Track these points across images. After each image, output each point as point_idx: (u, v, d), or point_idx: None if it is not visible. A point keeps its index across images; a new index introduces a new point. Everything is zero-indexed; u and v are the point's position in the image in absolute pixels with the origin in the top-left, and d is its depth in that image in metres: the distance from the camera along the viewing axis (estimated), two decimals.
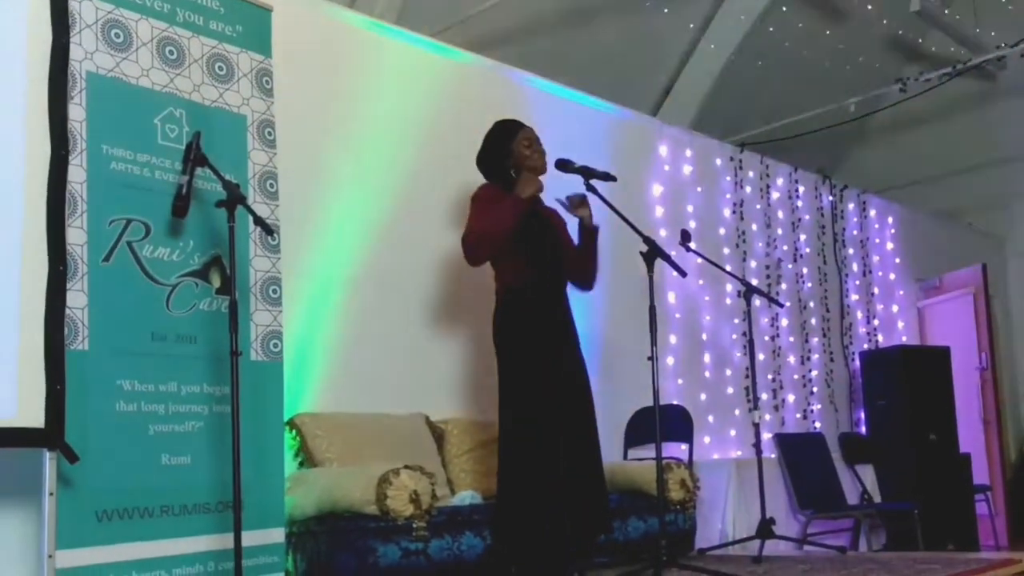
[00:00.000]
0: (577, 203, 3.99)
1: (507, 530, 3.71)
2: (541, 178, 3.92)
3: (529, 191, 3.78)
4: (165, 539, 3.23)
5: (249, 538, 3.26)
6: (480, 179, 4.04)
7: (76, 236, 3.11)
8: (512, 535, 3.69)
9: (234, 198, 3.24)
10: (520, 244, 3.84)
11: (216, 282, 3.49)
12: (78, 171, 3.15)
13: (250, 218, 3.33)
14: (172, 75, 3.46)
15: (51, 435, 2.95)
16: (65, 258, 3.04)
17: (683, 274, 3.96)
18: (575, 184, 3.93)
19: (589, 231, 4.04)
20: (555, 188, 4.09)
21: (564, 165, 3.94)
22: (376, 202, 4.66)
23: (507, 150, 3.94)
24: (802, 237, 7.37)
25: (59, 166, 3.06)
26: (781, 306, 6.36)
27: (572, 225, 4.14)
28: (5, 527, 3.16)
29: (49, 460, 2.96)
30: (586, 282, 4.16)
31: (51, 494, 2.95)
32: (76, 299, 3.08)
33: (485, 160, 4.03)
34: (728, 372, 6.52)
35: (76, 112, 3.16)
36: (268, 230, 3.31)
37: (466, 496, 4.10)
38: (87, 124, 3.19)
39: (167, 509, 3.26)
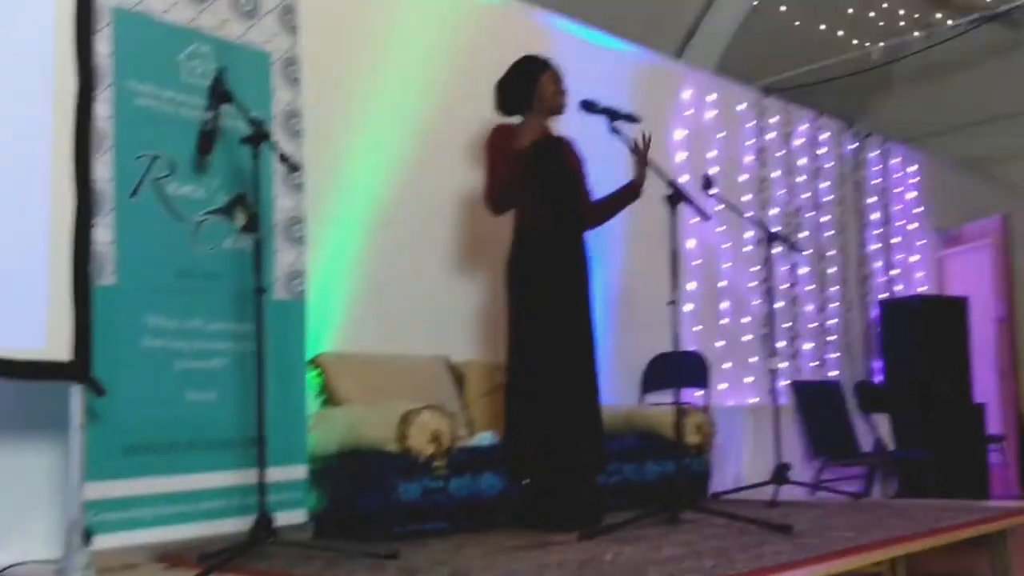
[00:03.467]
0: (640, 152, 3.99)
1: (515, 465, 3.82)
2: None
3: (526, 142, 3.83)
4: (190, 473, 3.29)
5: (272, 474, 3.29)
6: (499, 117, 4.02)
7: (103, 172, 3.12)
8: (522, 468, 3.81)
9: (259, 134, 3.23)
10: (538, 186, 3.85)
11: (241, 220, 3.50)
12: (104, 106, 3.15)
13: (274, 156, 3.33)
14: (197, 11, 3.44)
15: (79, 369, 2.97)
16: (92, 193, 3.04)
17: (707, 217, 3.95)
18: (598, 125, 3.90)
19: (631, 195, 4.12)
20: (578, 129, 4.07)
21: (589, 106, 3.92)
22: (401, 143, 4.63)
23: (533, 84, 3.95)
24: (824, 185, 7.31)
25: (85, 101, 3.04)
26: (801, 252, 6.33)
27: (596, 154, 4.16)
28: (34, 460, 3.20)
29: (77, 394, 2.99)
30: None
31: (79, 427, 2.98)
32: (103, 234, 3.10)
33: (507, 90, 4.02)
34: (745, 319, 6.51)
35: (102, 47, 3.15)
36: (293, 167, 3.30)
37: (485, 436, 4.13)
38: (113, 59, 3.18)
39: (192, 444, 3.31)
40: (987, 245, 8.17)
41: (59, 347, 2.94)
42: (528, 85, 3.99)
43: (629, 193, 4.13)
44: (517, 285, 3.90)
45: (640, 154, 3.95)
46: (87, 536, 2.94)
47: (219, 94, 3.27)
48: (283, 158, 3.24)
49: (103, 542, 3.03)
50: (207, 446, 3.34)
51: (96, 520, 3.03)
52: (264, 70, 3.64)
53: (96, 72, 3.09)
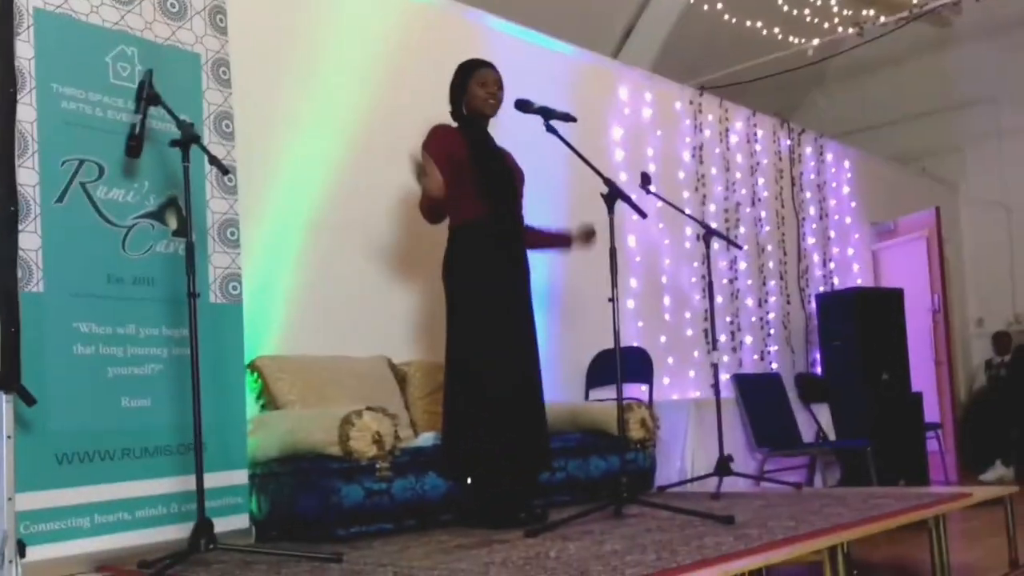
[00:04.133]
0: (585, 234, 4.36)
1: (455, 465, 3.80)
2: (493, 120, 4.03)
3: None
4: (127, 481, 3.23)
5: (212, 479, 3.26)
6: (437, 119, 4.01)
7: (28, 176, 3.06)
8: (461, 467, 3.79)
9: (188, 137, 3.18)
10: (472, 177, 3.84)
11: (172, 224, 3.45)
12: (28, 110, 3.08)
13: (206, 158, 3.28)
14: (123, 12, 3.38)
15: (7, 378, 2.90)
16: (16, 199, 2.98)
17: (643, 215, 3.97)
18: (534, 124, 3.90)
19: (562, 243, 4.40)
20: (514, 128, 4.07)
21: (523, 106, 3.92)
22: (334, 143, 4.61)
23: (463, 88, 3.95)
24: (760, 181, 7.41)
25: (7, 104, 2.98)
26: (740, 248, 6.42)
27: (535, 155, 4.18)
28: None
29: (6, 403, 2.91)
30: None
31: (9, 437, 2.90)
32: (29, 240, 3.03)
33: (450, 96, 4.03)
34: (687, 315, 6.58)
35: (24, 49, 3.08)
36: (223, 169, 3.26)
37: (429, 437, 4.11)
38: (36, 62, 3.12)
39: (128, 451, 3.26)
40: (921, 237, 8.34)
41: None
42: (459, 90, 3.99)
43: (560, 241, 4.41)
44: (453, 280, 3.88)
45: (587, 239, 4.37)
46: (21, 548, 2.87)
47: (147, 96, 3.21)
48: (213, 160, 3.20)
49: (38, 553, 2.96)
50: (143, 453, 3.29)
51: (30, 531, 2.96)
52: (194, 72, 3.59)
53: (18, 75, 3.02)
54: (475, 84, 3.94)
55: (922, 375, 7.63)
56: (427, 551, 3.21)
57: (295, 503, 3.62)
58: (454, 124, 4.01)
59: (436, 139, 3.91)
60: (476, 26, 5.44)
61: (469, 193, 3.85)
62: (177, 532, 3.24)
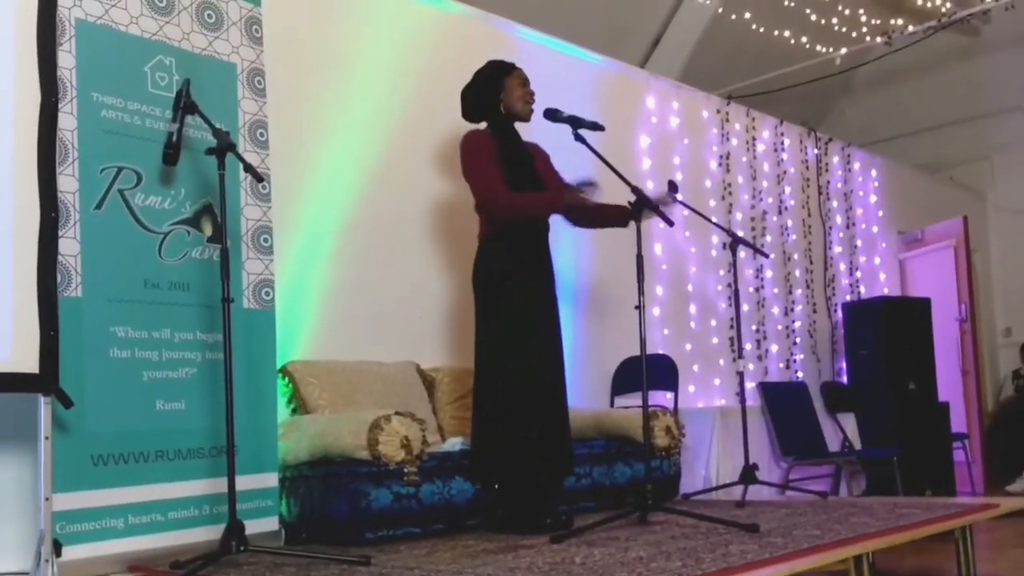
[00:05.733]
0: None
1: (483, 471, 3.82)
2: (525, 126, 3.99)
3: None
4: (160, 483, 3.29)
5: (243, 482, 3.31)
6: (466, 127, 4.04)
7: (68, 184, 3.13)
8: (489, 475, 3.81)
9: (224, 145, 3.23)
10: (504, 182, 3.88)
11: (207, 230, 3.51)
12: (69, 119, 3.15)
13: (240, 166, 3.34)
14: (161, 23, 3.45)
15: (46, 380, 2.96)
16: (57, 205, 3.04)
17: (670, 223, 3.98)
18: (563, 133, 3.94)
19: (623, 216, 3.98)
20: (543, 137, 4.11)
21: (552, 115, 3.95)
22: (366, 151, 4.66)
23: (501, 85, 3.96)
24: (787, 189, 7.41)
25: (49, 113, 3.05)
26: (766, 256, 6.42)
27: (562, 163, 4.19)
28: (2, 472, 3.19)
29: (44, 405, 2.97)
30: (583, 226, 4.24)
31: (47, 438, 2.96)
32: (69, 246, 3.10)
33: (473, 96, 4.03)
34: (713, 323, 6.59)
35: (66, 59, 3.16)
36: (258, 177, 3.32)
37: (456, 442, 4.16)
38: (77, 72, 3.19)
39: (162, 454, 3.32)
40: (948, 246, 8.30)
41: (25, 359, 2.94)
42: (494, 89, 3.98)
43: (618, 214, 4.00)
44: (482, 288, 3.91)
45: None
46: (57, 547, 2.93)
47: (184, 105, 3.27)
48: (248, 168, 3.26)
49: (73, 553, 3.02)
50: (177, 455, 3.35)
51: (66, 531, 3.02)
52: (230, 81, 3.65)
53: (60, 84, 3.09)
54: (514, 83, 3.95)
55: (949, 385, 7.59)
56: (454, 555, 3.24)
57: (324, 506, 3.66)
58: (482, 126, 4.03)
59: (472, 144, 3.92)
60: (505, 36, 5.48)
61: None
62: (208, 534, 3.30)
